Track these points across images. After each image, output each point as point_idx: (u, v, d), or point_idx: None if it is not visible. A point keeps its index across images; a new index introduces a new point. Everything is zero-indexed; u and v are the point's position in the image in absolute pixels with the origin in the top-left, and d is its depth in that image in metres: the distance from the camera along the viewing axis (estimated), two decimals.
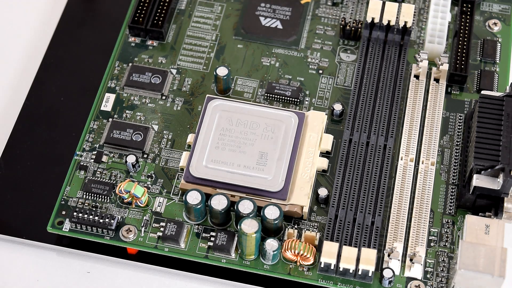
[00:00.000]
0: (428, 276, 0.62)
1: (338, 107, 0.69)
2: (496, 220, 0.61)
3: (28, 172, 0.68)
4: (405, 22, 0.71)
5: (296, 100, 0.70)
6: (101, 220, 0.63)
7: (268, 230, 0.63)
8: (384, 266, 0.62)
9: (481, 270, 0.59)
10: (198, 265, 0.64)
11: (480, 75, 0.71)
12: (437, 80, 0.71)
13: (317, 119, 0.68)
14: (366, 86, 0.69)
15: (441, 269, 0.63)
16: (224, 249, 0.63)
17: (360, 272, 0.61)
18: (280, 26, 0.74)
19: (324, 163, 0.67)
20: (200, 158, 0.65)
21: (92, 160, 0.67)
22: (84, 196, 0.66)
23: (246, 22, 0.75)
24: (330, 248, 0.61)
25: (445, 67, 0.70)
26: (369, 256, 0.61)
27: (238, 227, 0.61)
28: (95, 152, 0.68)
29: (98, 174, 0.67)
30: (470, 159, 0.63)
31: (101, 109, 0.70)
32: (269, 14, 0.75)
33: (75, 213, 0.64)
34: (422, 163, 0.66)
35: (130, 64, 0.72)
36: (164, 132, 0.69)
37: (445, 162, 0.67)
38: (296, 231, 0.64)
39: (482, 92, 0.67)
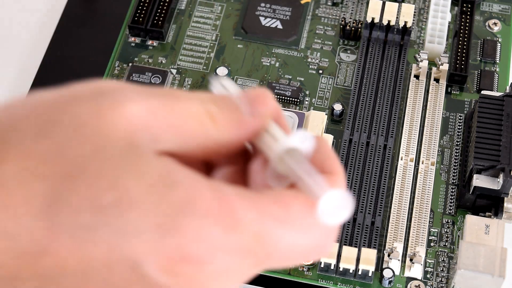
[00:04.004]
0: (428, 276, 0.62)
1: (338, 107, 0.69)
2: (496, 220, 0.61)
3: None
4: (405, 22, 0.71)
5: (296, 100, 0.70)
6: None
7: None
8: (384, 266, 0.62)
9: (481, 270, 0.58)
10: None
11: (480, 75, 0.71)
12: (437, 80, 0.71)
13: (317, 119, 0.68)
14: (366, 86, 0.69)
15: (441, 269, 0.63)
16: None
17: (360, 272, 0.61)
18: (280, 26, 0.74)
19: None
20: None
21: None
22: None
23: (246, 22, 0.75)
24: None
25: (445, 67, 0.70)
26: (369, 256, 0.61)
27: None
28: None
29: None
30: (470, 159, 0.63)
31: None
32: (269, 14, 0.75)
33: None
34: (422, 163, 0.66)
35: (130, 64, 0.72)
36: None
37: (445, 162, 0.67)
38: None
39: (482, 92, 0.67)
